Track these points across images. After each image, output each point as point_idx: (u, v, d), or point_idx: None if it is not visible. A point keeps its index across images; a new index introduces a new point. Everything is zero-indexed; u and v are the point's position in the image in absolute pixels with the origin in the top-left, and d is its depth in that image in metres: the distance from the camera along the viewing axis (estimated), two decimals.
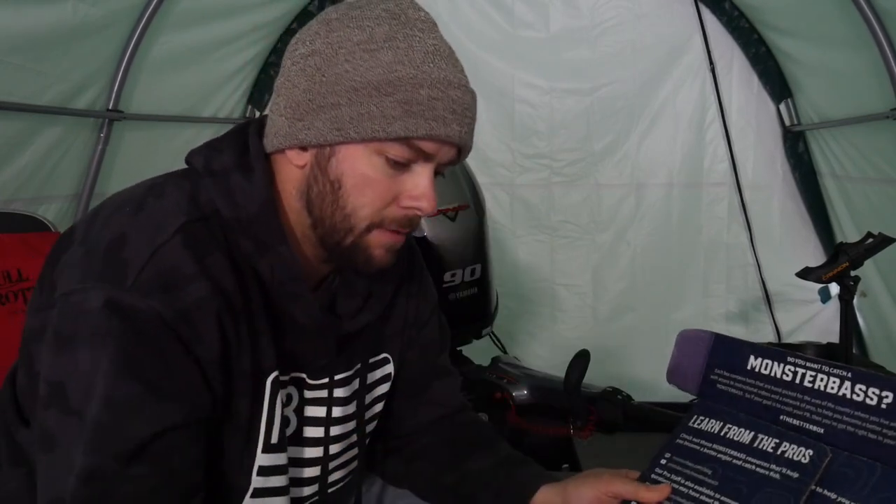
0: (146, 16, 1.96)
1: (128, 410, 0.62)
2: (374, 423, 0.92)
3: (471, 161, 1.93)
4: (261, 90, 2.57)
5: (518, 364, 1.98)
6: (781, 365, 0.76)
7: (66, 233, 0.71)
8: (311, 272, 0.79)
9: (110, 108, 1.99)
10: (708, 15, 2.51)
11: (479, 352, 1.97)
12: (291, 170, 0.73)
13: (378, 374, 0.90)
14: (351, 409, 0.85)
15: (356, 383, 0.85)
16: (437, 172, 0.74)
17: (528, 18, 2.58)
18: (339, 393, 0.82)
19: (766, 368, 0.78)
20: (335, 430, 0.83)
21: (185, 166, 0.76)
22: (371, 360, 0.88)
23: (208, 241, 0.67)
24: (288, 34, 2.44)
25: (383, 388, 0.91)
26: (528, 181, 2.66)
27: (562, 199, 2.68)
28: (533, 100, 2.61)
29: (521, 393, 1.78)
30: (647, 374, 2.63)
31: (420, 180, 0.71)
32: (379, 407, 0.92)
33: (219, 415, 0.70)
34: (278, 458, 0.75)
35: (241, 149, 0.74)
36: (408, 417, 0.97)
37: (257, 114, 2.56)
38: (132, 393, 0.62)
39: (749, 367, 0.80)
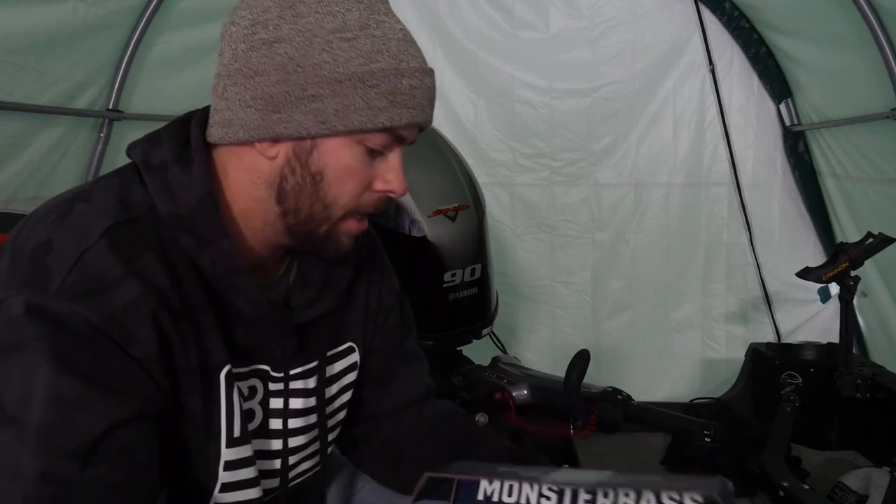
0: (146, 16, 1.96)
1: (74, 407, 0.60)
2: (343, 412, 0.91)
3: (471, 161, 1.94)
4: None
5: (518, 364, 1.98)
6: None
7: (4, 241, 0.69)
8: (258, 263, 0.78)
9: (110, 108, 2.00)
10: (708, 15, 2.50)
11: (479, 352, 1.97)
12: (258, 160, 0.71)
13: (342, 364, 0.89)
14: (311, 401, 0.84)
15: (316, 376, 0.84)
16: None
17: (529, 19, 2.58)
18: (295, 385, 0.82)
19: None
20: (294, 423, 0.82)
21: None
22: (332, 352, 0.87)
23: (136, 243, 0.66)
24: None
25: (350, 378, 0.91)
26: (528, 181, 2.66)
27: (562, 199, 2.68)
28: (533, 100, 2.61)
29: (521, 393, 1.78)
30: (647, 374, 2.64)
31: (393, 164, 0.73)
32: (346, 397, 0.91)
33: (170, 412, 0.68)
34: (243, 451, 0.74)
35: (182, 140, 0.73)
36: (375, 405, 0.96)
37: None
38: (76, 390, 0.60)
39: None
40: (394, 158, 0.73)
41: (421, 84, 0.70)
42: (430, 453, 0.93)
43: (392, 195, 0.75)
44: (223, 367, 0.72)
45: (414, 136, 0.74)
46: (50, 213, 0.67)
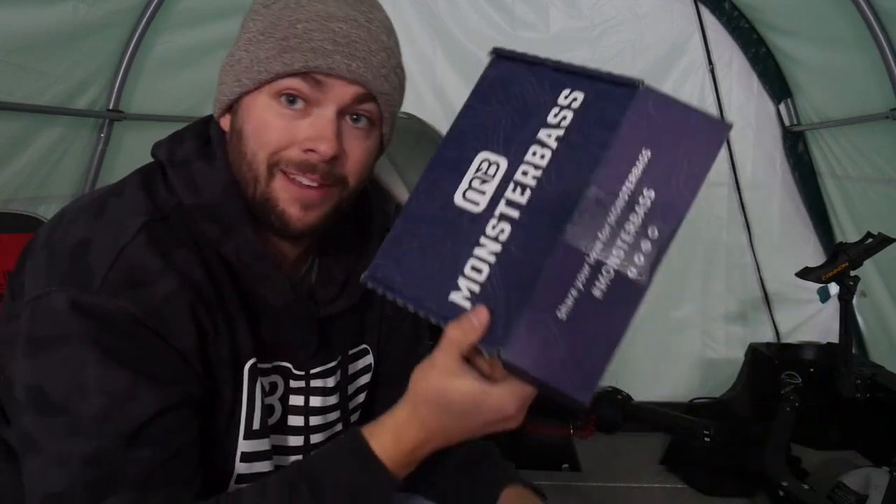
0: (146, 16, 1.96)
1: (124, 396, 0.63)
2: (357, 413, 0.92)
3: None
4: None
5: None
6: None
7: (31, 239, 0.71)
8: (281, 255, 0.79)
9: (110, 108, 2.00)
10: (707, 15, 2.51)
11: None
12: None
13: (359, 364, 0.90)
14: (333, 399, 0.85)
15: (338, 374, 0.86)
16: (353, 116, 0.72)
17: (529, 19, 2.58)
18: (316, 383, 0.82)
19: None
20: (314, 420, 0.83)
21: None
22: (352, 351, 0.89)
23: (170, 238, 0.68)
24: None
25: (365, 379, 0.92)
26: None
27: None
28: None
29: None
30: (647, 374, 2.64)
31: (317, 121, 0.70)
32: (362, 397, 0.92)
33: (205, 401, 0.70)
34: (261, 445, 0.76)
35: (203, 137, 0.76)
36: (385, 409, 0.96)
37: None
38: (123, 381, 0.63)
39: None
40: (320, 115, 0.70)
41: (321, 27, 0.68)
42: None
43: (313, 152, 0.70)
44: (248, 360, 0.74)
45: (333, 89, 0.70)
46: (85, 211, 0.69)
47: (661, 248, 0.54)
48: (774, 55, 2.47)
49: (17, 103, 1.64)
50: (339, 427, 0.87)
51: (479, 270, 0.56)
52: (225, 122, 0.75)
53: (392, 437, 0.65)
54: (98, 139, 1.99)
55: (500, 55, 0.65)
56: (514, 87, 0.62)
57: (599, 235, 0.52)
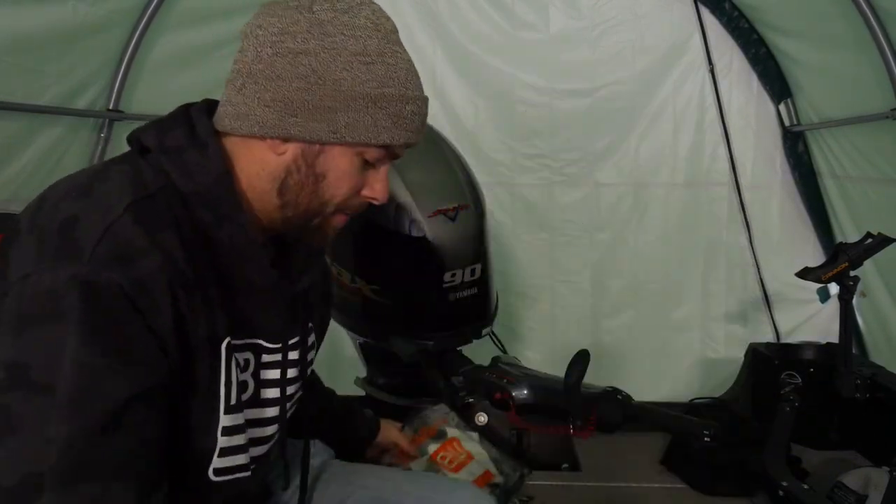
0: (146, 16, 1.97)
1: (100, 376, 0.64)
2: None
3: (471, 161, 1.94)
4: None
5: (518, 364, 1.98)
6: None
7: (13, 224, 0.72)
8: (260, 238, 0.85)
9: (110, 108, 2.00)
10: (708, 15, 2.50)
11: (479, 352, 1.97)
12: (266, 154, 0.79)
13: (310, 340, 0.99)
14: (298, 370, 0.93)
15: (301, 345, 0.93)
16: None
17: (529, 19, 2.58)
18: (292, 356, 0.91)
19: None
20: (290, 390, 0.91)
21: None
22: (310, 325, 0.98)
23: (156, 218, 0.71)
24: None
25: (312, 355, 1.01)
26: (528, 181, 2.66)
27: (562, 199, 2.68)
28: (533, 100, 2.61)
29: (522, 393, 1.78)
30: (647, 374, 2.64)
31: (382, 177, 0.84)
32: (308, 370, 1.01)
33: (178, 382, 0.73)
34: (238, 419, 0.80)
35: (190, 126, 0.79)
36: None
37: None
38: (102, 360, 0.64)
39: None
40: (383, 171, 0.83)
41: (420, 111, 0.81)
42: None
43: (375, 202, 0.85)
44: (225, 338, 0.77)
45: (403, 154, 0.85)
46: (70, 193, 0.71)
47: None
48: (774, 55, 2.47)
49: (17, 103, 1.64)
50: (299, 395, 0.96)
51: None
52: (277, 146, 0.78)
53: None
54: (98, 139, 1.99)
55: None
56: None
57: None
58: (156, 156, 0.76)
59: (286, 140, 0.77)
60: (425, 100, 0.82)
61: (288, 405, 0.92)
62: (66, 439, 0.62)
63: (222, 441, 0.78)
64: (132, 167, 0.75)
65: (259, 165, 0.79)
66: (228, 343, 0.77)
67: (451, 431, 1.58)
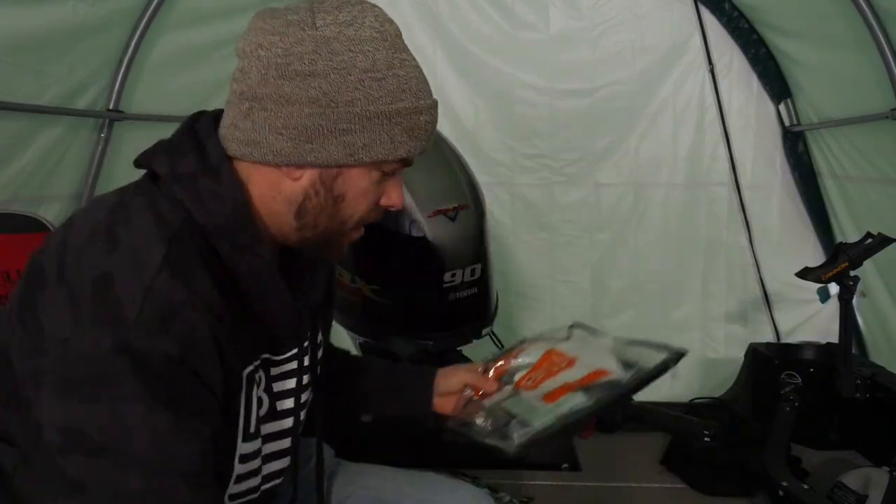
0: (146, 16, 1.96)
1: (168, 434, 0.64)
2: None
3: (471, 161, 1.94)
4: None
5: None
6: None
7: (35, 268, 0.70)
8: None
9: (110, 108, 1.99)
10: (708, 15, 2.51)
11: (479, 352, 1.97)
12: (279, 179, 0.76)
13: (319, 341, 0.98)
14: (307, 378, 0.92)
15: (309, 354, 0.92)
16: None
17: (529, 19, 2.58)
18: (305, 361, 0.90)
19: None
20: (304, 397, 0.91)
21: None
22: (315, 332, 0.96)
23: (189, 264, 0.69)
24: None
25: (320, 354, 0.99)
26: (528, 181, 2.66)
27: (562, 199, 2.68)
28: (533, 100, 2.61)
29: None
30: None
31: (397, 184, 0.82)
32: (318, 370, 0.99)
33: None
34: (254, 444, 0.80)
35: (200, 151, 0.76)
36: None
37: None
38: (167, 419, 0.64)
39: None
40: (398, 178, 0.82)
41: (432, 119, 0.80)
42: (332, 399, 1.07)
43: (392, 209, 0.84)
44: (248, 366, 0.77)
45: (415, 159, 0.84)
46: (95, 241, 0.68)
47: None
48: (774, 55, 2.47)
49: (17, 103, 1.64)
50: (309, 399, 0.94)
51: None
52: (294, 171, 0.75)
53: None
54: (98, 139, 1.99)
55: None
56: None
57: None
58: (169, 185, 0.73)
59: (301, 167, 0.75)
60: (436, 104, 0.81)
61: (303, 414, 0.91)
62: (140, 494, 0.63)
63: (239, 468, 0.78)
64: (148, 200, 0.72)
65: (274, 190, 0.77)
66: (250, 371, 0.77)
67: (546, 345, 1.14)
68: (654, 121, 2.62)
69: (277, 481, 0.88)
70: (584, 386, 0.99)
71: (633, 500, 2.02)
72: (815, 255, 2.49)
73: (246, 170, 0.77)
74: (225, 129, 0.76)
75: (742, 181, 2.59)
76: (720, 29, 2.50)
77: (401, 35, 0.78)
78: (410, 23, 2.55)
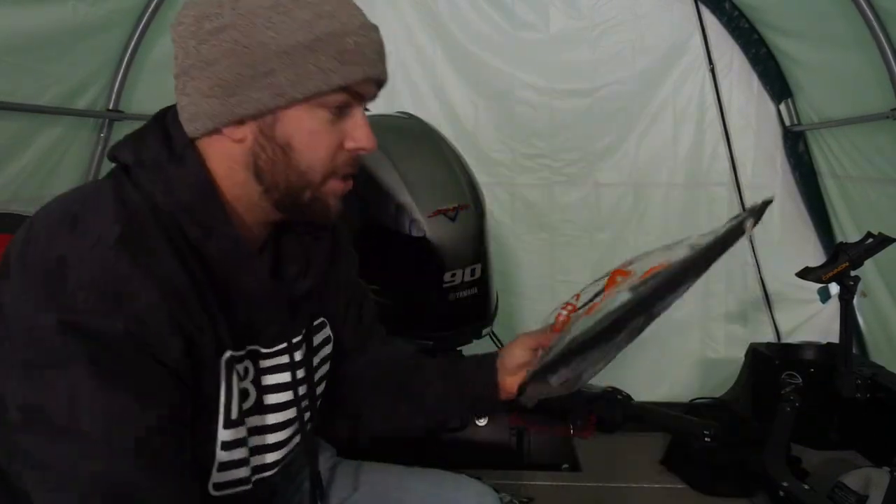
0: (146, 16, 1.97)
1: (122, 415, 0.64)
2: (323, 384, 0.96)
3: (471, 161, 1.94)
4: None
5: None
6: None
7: (4, 255, 0.70)
8: (252, 242, 0.82)
9: (110, 108, 2.00)
10: (708, 15, 2.50)
11: (478, 352, 1.97)
12: (229, 146, 0.75)
13: (321, 336, 0.94)
14: (301, 373, 0.88)
15: (304, 346, 0.89)
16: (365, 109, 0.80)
17: (529, 19, 2.58)
18: (297, 356, 0.87)
19: None
20: (302, 391, 0.88)
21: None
22: (315, 323, 0.93)
23: (148, 245, 0.68)
24: None
25: (327, 350, 0.96)
26: (528, 181, 2.66)
27: (562, 199, 2.68)
28: (533, 100, 2.61)
29: None
30: (647, 374, 2.63)
31: (358, 121, 0.77)
32: (325, 369, 0.96)
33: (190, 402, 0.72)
34: (238, 432, 0.78)
35: (165, 138, 0.76)
36: (354, 372, 1.04)
37: None
38: (120, 400, 0.64)
39: None
40: (358, 115, 0.77)
41: (366, 40, 0.74)
42: (380, 397, 1.04)
43: (363, 151, 0.78)
44: (226, 351, 0.75)
45: (373, 91, 0.78)
46: (57, 224, 0.68)
47: None
48: (775, 55, 2.47)
49: (17, 103, 1.64)
50: (306, 401, 0.91)
51: None
52: (234, 132, 0.74)
53: None
54: (98, 139, 1.99)
55: None
56: None
57: None
58: (136, 172, 0.73)
59: (239, 124, 0.73)
60: (370, 27, 0.75)
61: (293, 411, 0.88)
62: (99, 475, 0.63)
63: (221, 455, 0.76)
64: (115, 188, 0.72)
65: (228, 161, 0.76)
66: (229, 356, 0.76)
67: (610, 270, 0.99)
68: (654, 121, 2.61)
69: (270, 473, 0.87)
70: (634, 285, 0.85)
71: (633, 500, 2.02)
72: (815, 255, 2.49)
73: (204, 148, 0.76)
74: (179, 114, 0.77)
75: (742, 181, 2.59)
76: (720, 29, 2.50)
77: None
78: (410, 23, 2.55)
